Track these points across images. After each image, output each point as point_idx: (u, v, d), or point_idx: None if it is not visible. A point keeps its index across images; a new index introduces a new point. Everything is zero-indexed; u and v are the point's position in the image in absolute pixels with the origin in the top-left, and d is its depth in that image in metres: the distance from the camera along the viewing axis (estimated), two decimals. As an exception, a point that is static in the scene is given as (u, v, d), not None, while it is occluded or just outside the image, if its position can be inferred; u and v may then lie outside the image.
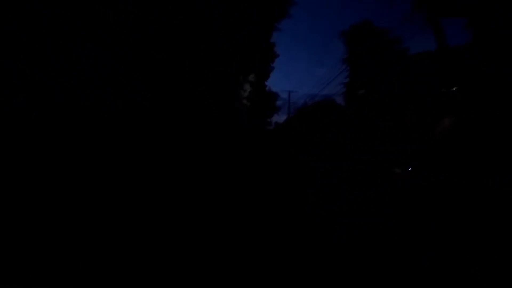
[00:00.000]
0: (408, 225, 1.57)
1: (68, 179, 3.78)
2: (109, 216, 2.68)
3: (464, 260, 1.31)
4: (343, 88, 17.27)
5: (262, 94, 19.92)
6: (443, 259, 1.35)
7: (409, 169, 1.70)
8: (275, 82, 71.51)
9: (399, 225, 1.63)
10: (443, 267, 1.35)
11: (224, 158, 6.93)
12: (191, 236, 2.28)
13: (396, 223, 1.67)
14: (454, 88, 1.48)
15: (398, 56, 14.78)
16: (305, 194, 3.79)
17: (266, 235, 2.29)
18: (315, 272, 1.72)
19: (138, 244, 2.11)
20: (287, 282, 1.63)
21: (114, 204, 3.08)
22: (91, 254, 1.94)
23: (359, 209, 2.42)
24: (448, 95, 1.44)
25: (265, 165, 6.41)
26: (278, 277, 1.68)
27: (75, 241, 2.12)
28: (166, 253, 1.98)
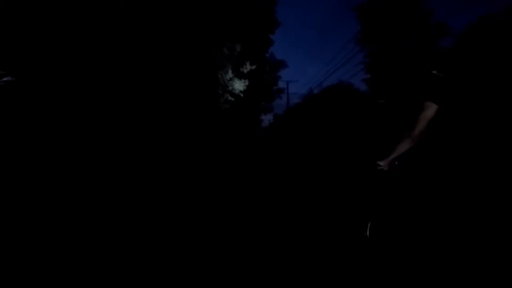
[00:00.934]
0: (406, 223, 1.65)
1: (68, 178, 4.01)
2: (106, 216, 2.89)
3: (465, 259, 1.40)
4: (361, 70, 16.63)
5: (260, 70, 15.29)
6: (443, 257, 1.44)
7: (396, 163, 1.76)
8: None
9: (399, 223, 1.72)
10: (443, 266, 1.44)
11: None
12: (188, 236, 2.46)
13: (395, 221, 1.75)
14: (438, 73, 1.47)
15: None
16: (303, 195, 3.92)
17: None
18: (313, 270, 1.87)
19: (136, 244, 2.29)
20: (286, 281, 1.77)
21: (108, 203, 3.28)
22: (90, 253, 2.10)
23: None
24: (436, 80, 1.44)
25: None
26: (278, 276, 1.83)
27: (74, 241, 2.29)
28: (162, 253, 2.14)
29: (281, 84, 25.84)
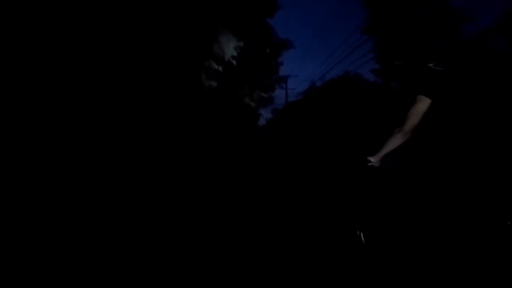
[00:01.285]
0: (399, 221, 1.67)
1: (68, 178, 4.10)
2: (106, 216, 2.98)
3: (460, 257, 1.40)
4: (370, 60, 15.71)
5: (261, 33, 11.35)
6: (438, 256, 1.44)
7: (388, 159, 1.75)
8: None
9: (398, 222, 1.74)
10: (438, 265, 1.43)
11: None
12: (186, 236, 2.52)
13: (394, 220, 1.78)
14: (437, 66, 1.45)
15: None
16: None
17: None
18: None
19: (135, 244, 2.35)
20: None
21: (107, 203, 3.39)
22: (90, 253, 2.14)
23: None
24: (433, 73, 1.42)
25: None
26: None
27: (74, 240, 2.34)
28: (162, 252, 2.19)
29: (281, 72, 21.27)
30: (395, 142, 1.58)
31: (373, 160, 1.66)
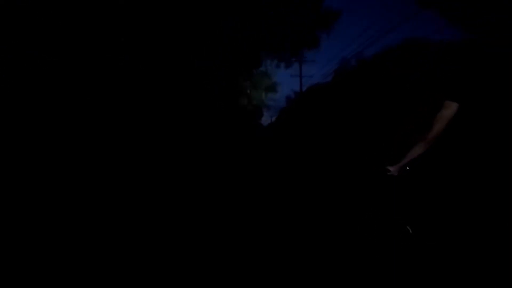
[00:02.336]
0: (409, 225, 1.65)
1: (67, 178, 4.26)
2: (106, 215, 3.07)
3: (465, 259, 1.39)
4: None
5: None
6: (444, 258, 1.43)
7: (408, 169, 1.71)
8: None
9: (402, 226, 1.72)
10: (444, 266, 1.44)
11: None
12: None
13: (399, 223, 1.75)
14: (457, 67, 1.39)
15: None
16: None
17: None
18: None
19: (135, 244, 2.43)
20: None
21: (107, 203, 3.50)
22: (90, 253, 2.22)
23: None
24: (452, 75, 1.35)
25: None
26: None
27: (74, 241, 2.43)
28: (162, 253, 2.26)
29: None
30: (417, 151, 1.54)
31: (393, 170, 1.63)
